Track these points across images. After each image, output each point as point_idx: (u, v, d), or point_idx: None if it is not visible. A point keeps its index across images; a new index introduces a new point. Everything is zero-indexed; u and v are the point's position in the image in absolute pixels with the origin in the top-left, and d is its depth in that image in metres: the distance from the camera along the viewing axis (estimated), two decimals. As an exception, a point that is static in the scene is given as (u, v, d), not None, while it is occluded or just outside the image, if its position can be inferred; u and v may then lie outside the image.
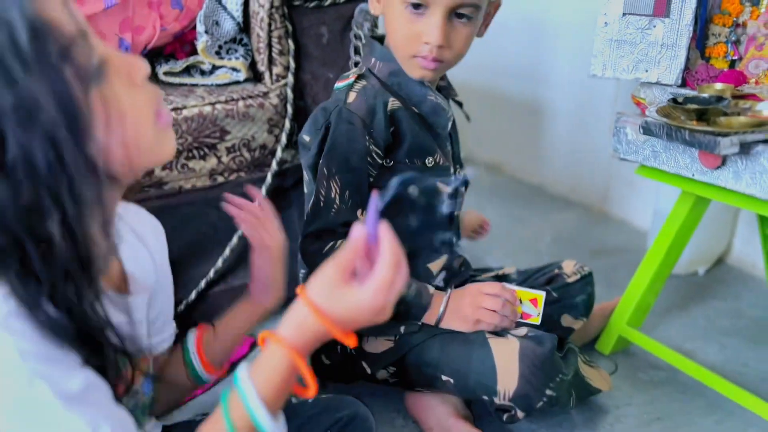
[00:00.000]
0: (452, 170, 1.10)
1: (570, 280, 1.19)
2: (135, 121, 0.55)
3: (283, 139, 1.24)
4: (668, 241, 1.23)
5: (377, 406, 1.08)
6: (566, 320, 1.17)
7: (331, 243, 0.98)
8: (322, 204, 0.98)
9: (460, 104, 1.13)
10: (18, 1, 0.47)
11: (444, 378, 1.01)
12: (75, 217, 0.50)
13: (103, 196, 0.52)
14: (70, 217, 0.50)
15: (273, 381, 0.59)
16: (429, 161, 1.04)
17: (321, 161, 0.98)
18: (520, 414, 0.95)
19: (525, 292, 1.05)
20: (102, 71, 0.53)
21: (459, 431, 1.01)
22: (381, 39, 1.05)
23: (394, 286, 0.59)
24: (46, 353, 0.51)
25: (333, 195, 0.97)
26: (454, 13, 0.95)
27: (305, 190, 1.06)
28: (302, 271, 1.11)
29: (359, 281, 0.59)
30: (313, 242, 0.99)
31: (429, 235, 1.09)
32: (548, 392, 0.94)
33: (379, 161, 1.00)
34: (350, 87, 1.00)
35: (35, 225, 0.49)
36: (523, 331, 1.01)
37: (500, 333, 1.01)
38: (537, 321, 1.04)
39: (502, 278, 1.23)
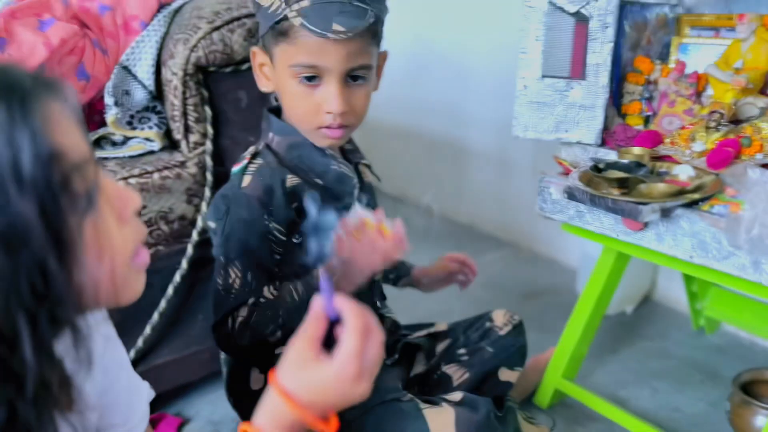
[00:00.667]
0: None
1: (502, 332, 1.19)
2: (113, 258, 0.53)
3: (204, 208, 1.19)
4: (597, 291, 1.25)
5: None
6: (504, 374, 1.17)
7: (230, 320, 0.94)
8: (222, 293, 0.94)
9: (368, 166, 1.11)
10: (32, 123, 0.46)
11: None
12: (48, 340, 0.48)
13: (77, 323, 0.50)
14: (45, 341, 0.48)
15: None
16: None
17: (216, 251, 0.96)
18: None
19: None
20: (96, 201, 0.51)
21: None
22: (277, 111, 1.02)
23: (366, 354, 0.57)
24: None
25: (231, 281, 0.94)
26: (348, 77, 0.93)
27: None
28: (222, 355, 1.06)
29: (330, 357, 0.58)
30: (220, 335, 0.95)
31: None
32: None
33: (283, 238, 0.97)
34: (244, 170, 0.98)
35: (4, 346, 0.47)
36: (458, 396, 0.99)
37: (434, 401, 0.99)
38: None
39: (434, 336, 1.21)
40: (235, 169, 1.00)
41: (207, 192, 1.19)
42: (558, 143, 1.15)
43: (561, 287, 1.77)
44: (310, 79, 0.92)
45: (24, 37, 1.01)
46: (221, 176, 1.23)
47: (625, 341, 1.51)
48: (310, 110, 0.94)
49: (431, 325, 1.24)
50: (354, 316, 0.57)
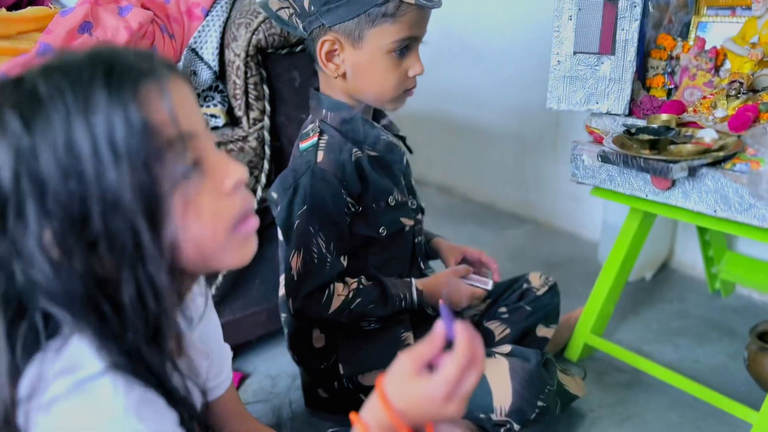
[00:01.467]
0: (408, 202, 1.18)
1: (539, 292, 1.30)
2: (211, 225, 0.58)
3: (263, 179, 1.29)
4: (622, 253, 1.35)
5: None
6: (541, 330, 1.27)
7: (327, 292, 1.05)
8: (316, 261, 1.04)
9: (403, 138, 1.21)
10: (125, 102, 0.52)
11: None
12: (147, 291, 0.55)
13: (174, 279, 0.57)
14: (144, 291, 0.55)
15: None
16: (391, 200, 1.12)
17: (302, 222, 1.04)
18: (516, 427, 1.03)
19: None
20: (190, 174, 0.57)
21: None
22: (316, 89, 1.13)
23: (463, 380, 0.60)
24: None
25: (323, 250, 1.04)
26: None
27: (279, 252, 1.11)
28: (283, 315, 1.16)
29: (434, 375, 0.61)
30: (310, 301, 1.05)
31: (394, 268, 1.17)
32: (539, 404, 1.03)
33: (353, 210, 1.08)
34: (316, 146, 1.06)
35: (112, 293, 0.54)
36: (507, 348, 1.09)
37: (488, 353, 1.08)
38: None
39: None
40: (304, 145, 1.08)
41: (266, 164, 1.30)
42: (580, 116, 1.25)
43: (582, 258, 1.88)
44: (403, 50, 1.03)
45: (108, 21, 1.11)
46: (277, 150, 1.34)
47: (646, 304, 1.62)
48: (401, 78, 1.05)
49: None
50: (465, 344, 0.59)
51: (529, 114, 2.08)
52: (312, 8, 1.02)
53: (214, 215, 0.59)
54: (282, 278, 1.08)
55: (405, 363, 0.61)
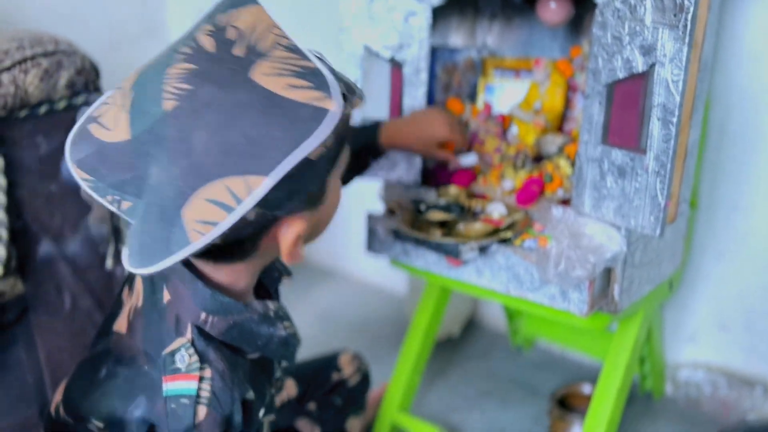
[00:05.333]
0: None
1: (352, 382, 1.19)
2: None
3: (0, 269, 1.06)
4: (425, 323, 1.29)
5: None
6: (352, 424, 1.17)
7: None
8: None
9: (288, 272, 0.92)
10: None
11: None
12: None
13: None
14: None
15: None
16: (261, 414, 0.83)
17: None
18: None
19: None
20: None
21: None
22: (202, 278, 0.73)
23: None
24: None
25: None
26: None
27: None
28: None
29: None
30: None
31: None
32: None
33: None
34: (196, 398, 0.71)
35: None
36: None
37: None
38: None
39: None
40: (173, 389, 0.72)
41: (2, 250, 1.06)
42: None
43: (390, 315, 1.81)
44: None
45: None
46: (19, 232, 1.11)
47: (454, 364, 1.58)
48: None
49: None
50: None
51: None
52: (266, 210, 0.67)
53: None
54: None
55: None
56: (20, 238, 1.11)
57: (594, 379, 1.22)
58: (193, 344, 0.71)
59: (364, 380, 1.21)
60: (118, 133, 0.62)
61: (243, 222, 0.62)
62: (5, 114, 1.05)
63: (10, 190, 1.08)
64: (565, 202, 1.03)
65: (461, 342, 1.68)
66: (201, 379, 0.71)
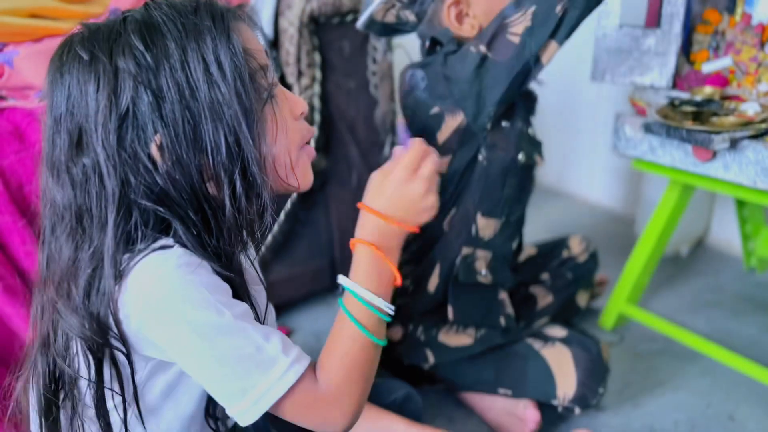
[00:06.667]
0: None
1: (581, 260, 1.35)
2: (287, 141, 0.70)
3: (311, 143, 1.35)
4: (660, 225, 1.37)
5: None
6: (580, 297, 1.33)
7: None
8: None
9: None
10: (227, 30, 0.64)
11: (502, 390, 1.10)
12: (242, 192, 0.65)
13: (264, 186, 0.66)
14: (238, 191, 0.65)
15: (369, 273, 0.74)
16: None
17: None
18: (577, 411, 1.07)
19: None
20: (273, 93, 0.68)
21: (533, 417, 1.07)
22: None
23: (421, 165, 0.77)
24: (220, 288, 0.65)
25: None
26: None
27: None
28: None
29: None
30: None
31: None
32: (600, 390, 1.07)
33: None
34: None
35: (212, 192, 0.65)
36: (561, 332, 1.11)
37: (546, 340, 1.10)
38: None
39: (530, 258, 1.37)
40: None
41: (315, 131, 1.35)
42: (622, 90, 1.28)
43: (618, 233, 1.90)
44: None
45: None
46: (325, 118, 1.39)
47: (680, 278, 1.64)
48: None
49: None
50: (418, 141, 0.78)
51: (571, 87, 2.10)
52: None
53: (292, 132, 0.70)
54: None
55: (374, 177, 0.78)
56: (326, 123, 1.39)
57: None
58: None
59: (592, 259, 1.36)
60: None
61: None
62: (324, 20, 1.32)
63: (323, 84, 1.37)
64: (825, 103, 1.06)
65: (689, 260, 1.73)
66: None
